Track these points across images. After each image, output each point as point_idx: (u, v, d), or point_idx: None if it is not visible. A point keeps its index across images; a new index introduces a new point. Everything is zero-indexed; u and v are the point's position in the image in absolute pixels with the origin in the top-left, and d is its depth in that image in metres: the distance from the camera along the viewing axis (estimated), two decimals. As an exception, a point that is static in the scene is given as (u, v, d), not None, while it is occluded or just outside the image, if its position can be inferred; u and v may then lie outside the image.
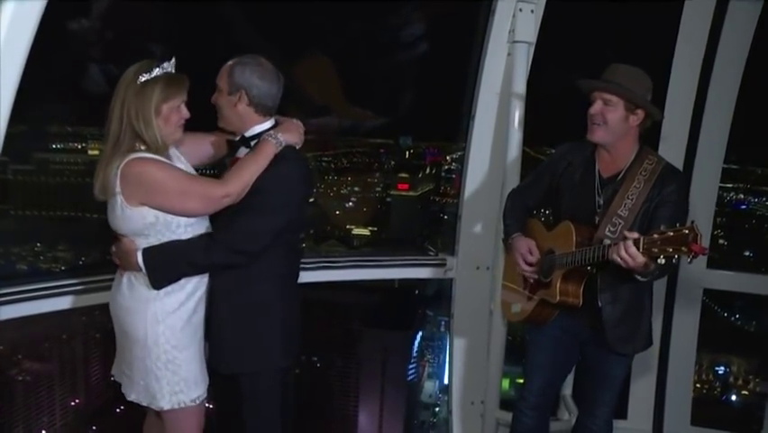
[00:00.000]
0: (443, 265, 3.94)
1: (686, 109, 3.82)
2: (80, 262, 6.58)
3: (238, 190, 2.34)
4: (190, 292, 2.44)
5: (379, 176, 8.54)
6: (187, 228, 2.38)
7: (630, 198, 2.63)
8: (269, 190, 2.39)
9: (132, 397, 2.47)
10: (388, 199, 8.51)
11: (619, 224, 2.61)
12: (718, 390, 7.78)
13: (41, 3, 2.22)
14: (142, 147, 2.30)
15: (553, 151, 3.11)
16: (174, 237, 2.36)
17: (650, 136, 3.90)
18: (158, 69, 2.29)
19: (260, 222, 2.40)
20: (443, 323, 8.28)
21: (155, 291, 2.37)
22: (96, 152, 7.13)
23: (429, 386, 8.40)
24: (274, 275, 2.56)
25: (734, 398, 7.92)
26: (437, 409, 8.19)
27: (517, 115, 3.56)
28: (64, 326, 6.52)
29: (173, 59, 2.34)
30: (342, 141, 7.91)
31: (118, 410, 6.52)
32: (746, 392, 7.95)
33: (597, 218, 2.69)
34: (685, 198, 2.68)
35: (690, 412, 4.06)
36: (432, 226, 8.35)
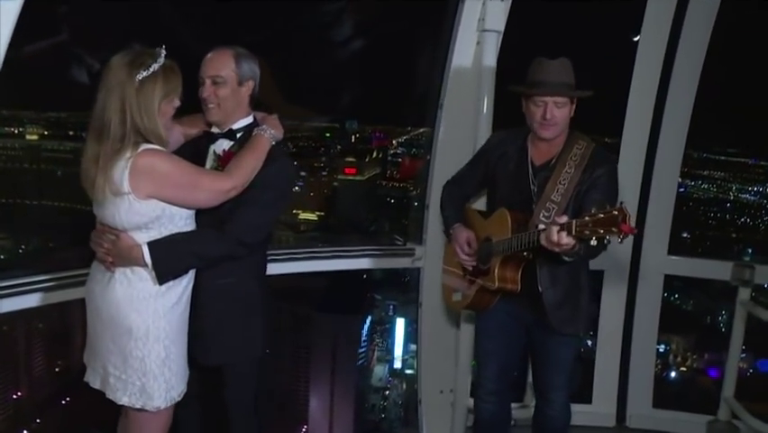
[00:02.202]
0: (412, 255, 3.92)
1: (649, 96, 3.88)
2: (20, 251, 6.37)
3: (243, 183, 2.36)
4: (185, 285, 2.42)
5: (326, 160, 8.50)
6: (187, 221, 2.36)
7: (562, 183, 2.69)
8: (269, 185, 2.43)
9: (123, 400, 2.37)
10: (335, 184, 8.48)
11: (552, 209, 2.66)
12: (659, 367, 8.04)
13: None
14: (141, 141, 2.22)
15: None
16: (176, 230, 2.33)
17: (614, 124, 3.99)
18: (155, 64, 2.20)
19: (262, 215, 2.47)
20: (391, 307, 8.34)
21: (158, 286, 2.32)
22: (34, 137, 6.89)
23: (379, 370, 8.45)
24: (256, 266, 2.63)
25: (673, 375, 8.20)
26: (387, 392, 8.26)
27: (486, 103, 3.55)
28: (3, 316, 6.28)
29: (163, 48, 2.26)
30: (287, 125, 7.82)
31: (63, 402, 6.37)
32: (685, 369, 8.25)
33: (534, 206, 2.73)
34: (614, 180, 2.74)
35: (651, 395, 4.16)
36: (379, 211, 8.36)
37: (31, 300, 2.92)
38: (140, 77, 2.17)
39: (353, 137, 8.51)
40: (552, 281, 2.74)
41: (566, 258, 2.49)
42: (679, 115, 3.93)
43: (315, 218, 8.25)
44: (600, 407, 4.12)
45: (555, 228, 2.30)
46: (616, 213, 2.12)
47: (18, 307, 2.91)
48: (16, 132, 6.51)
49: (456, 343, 3.78)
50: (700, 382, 7.91)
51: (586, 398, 4.09)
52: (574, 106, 2.70)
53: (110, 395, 2.40)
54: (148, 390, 2.35)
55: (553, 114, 2.65)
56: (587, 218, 2.21)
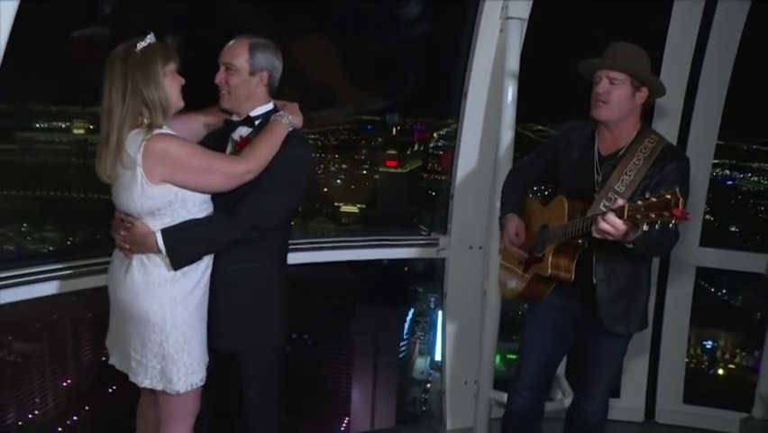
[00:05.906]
0: (436, 245, 3.92)
1: (679, 88, 3.81)
2: (68, 243, 6.53)
3: (258, 167, 2.40)
4: (203, 271, 2.47)
5: (367, 153, 8.52)
6: (201, 207, 2.42)
7: (628, 174, 2.60)
8: (283, 170, 2.46)
9: (145, 383, 2.45)
10: (376, 177, 8.48)
11: (615, 199, 2.57)
12: (706, 364, 7.85)
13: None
14: (146, 120, 2.29)
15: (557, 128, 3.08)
16: (189, 216, 2.39)
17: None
18: (148, 37, 2.31)
19: (275, 200, 2.50)
20: (432, 299, 8.31)
21: (173, 273, 2.38)
22: (81, 131, 7.05)
23: (420, 363, 8.44)
24: (274, 253, 2.65)
25: (721, 372, 7.99)
26: (429, 385, 8.24)
27: (510, 92, 3.52)
28: (53, 307, 6.47)
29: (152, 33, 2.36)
30: (329, 118, 7.88)
31: (110, 390, 6.51)
32: (733, 366, 8.03)
33: (596, 195, 2.66)
34: (686, 177, 2.64)
35: (682, 391, 4.09)
36: (421, 203, 8.34)
37: (50, 288, 3.02)
38: (140, 47, 2.27)
39: (394, 130, 8.50)
40: (608, 275, 2.67)
41: (627, 245, 2.39)
42: (710, 106, 3.86)
43: (357, 211, 8.26)
44: (629, 401, 4.07)
45: (610, 213, 2.25)
46: (669, 197, 2.06)
47: (38, 294, 3.02)
48: (63, 126, 6.65)
49: (480, 334, 3.76)
50: (749, 380, 7.69)
51: (614, 392, 4.03)
52: (642, 95, 2.62)
53: (132, 378, 2.48)
54: (167, 373, 2.42)
55: (604, 89, 2.59)
56: (639, 202, 2.16)
